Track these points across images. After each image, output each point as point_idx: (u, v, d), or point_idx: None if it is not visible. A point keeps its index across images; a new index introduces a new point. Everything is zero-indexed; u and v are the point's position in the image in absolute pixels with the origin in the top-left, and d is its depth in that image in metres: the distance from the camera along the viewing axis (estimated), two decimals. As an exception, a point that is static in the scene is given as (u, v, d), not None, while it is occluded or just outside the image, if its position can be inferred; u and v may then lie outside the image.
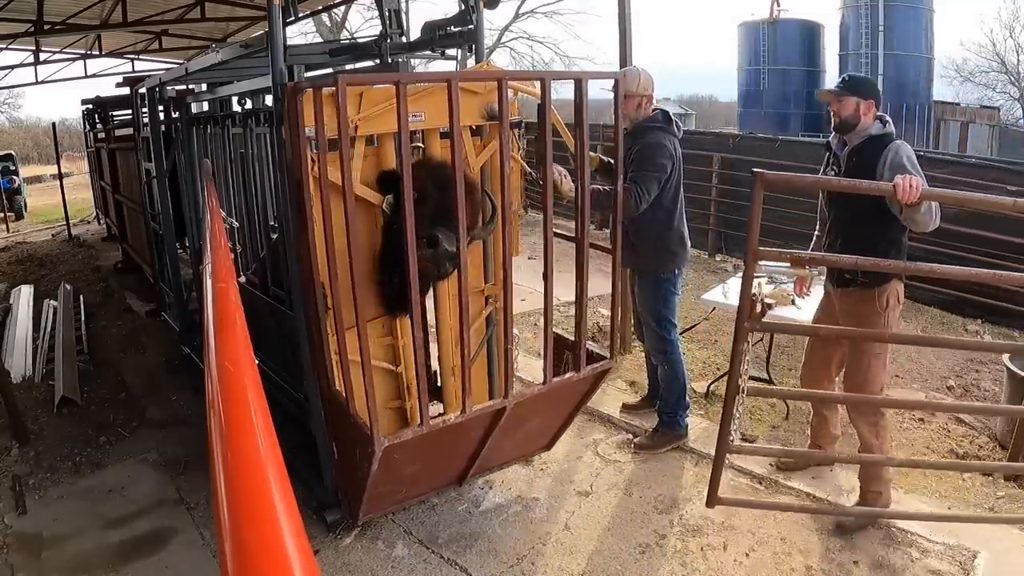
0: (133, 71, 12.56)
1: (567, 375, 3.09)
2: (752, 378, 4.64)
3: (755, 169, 2.49)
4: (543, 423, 3.46)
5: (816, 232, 3.56)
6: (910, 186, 2.48)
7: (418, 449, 2.80)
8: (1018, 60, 30.50)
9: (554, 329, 3.09)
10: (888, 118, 3.23)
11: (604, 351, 3.33)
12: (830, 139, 3.38)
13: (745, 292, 2.54)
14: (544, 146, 2.61)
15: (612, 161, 3.89)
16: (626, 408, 4.36)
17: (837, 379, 3.62)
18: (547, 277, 2.91)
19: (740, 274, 5.23)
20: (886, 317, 3.18)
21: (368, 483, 2.73)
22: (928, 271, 2.75)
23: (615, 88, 3.04)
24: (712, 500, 2.85)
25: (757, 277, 4.79)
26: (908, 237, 3.17)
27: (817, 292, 4.46)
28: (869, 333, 3.22)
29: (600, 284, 3.96)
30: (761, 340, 4.85)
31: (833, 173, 3.27)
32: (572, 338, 3.24)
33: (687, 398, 4.06)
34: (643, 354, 4.32)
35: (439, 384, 3.85)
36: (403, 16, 3.59)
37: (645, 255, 3.83)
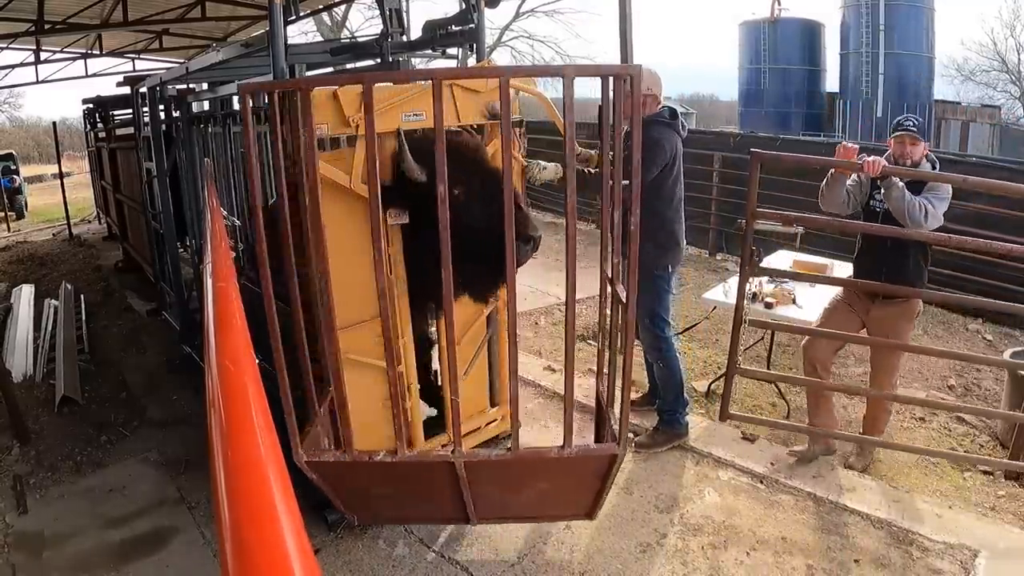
0: (134, 70, 12.55)
1: (546, 447, 2.55)
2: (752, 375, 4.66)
3: (752, 149, 3.47)
4: (560, 489, 2.82)
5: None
6: (874, 161, 3.15)
7: (360, 474, 2.61)
8: (1019, 59, 30.49)
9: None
10: (935, 157, 3.53)
11: (615, 423, 2.63)
12: None
13: (746, 245, 3.47)
14: (506, 153, 2.10)
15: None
16: None
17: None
18: (510, 323, 2.35)
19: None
20: (913, 323, 3.66)
21: (322, 488, 2.67)
22: (959, 242, 3.47)
23: (614, 85, 3.00)
24: (724, 415, 3.80)
25: (758, 276, 4.81)
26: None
27: (819, 291, 4.48)
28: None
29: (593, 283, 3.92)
30: (763, 339, 4.86)
31: (880, 202, 3.43)
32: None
33: (686, 395, 4.04)
34: (643, 352, 4.31)
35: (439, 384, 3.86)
36: (404, 15, 3.59)
37: (642, 252, 3.77)
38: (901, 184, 3.22)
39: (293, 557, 0.63)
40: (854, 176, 3.53)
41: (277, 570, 0.62)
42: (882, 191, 3.26)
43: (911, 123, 3.41)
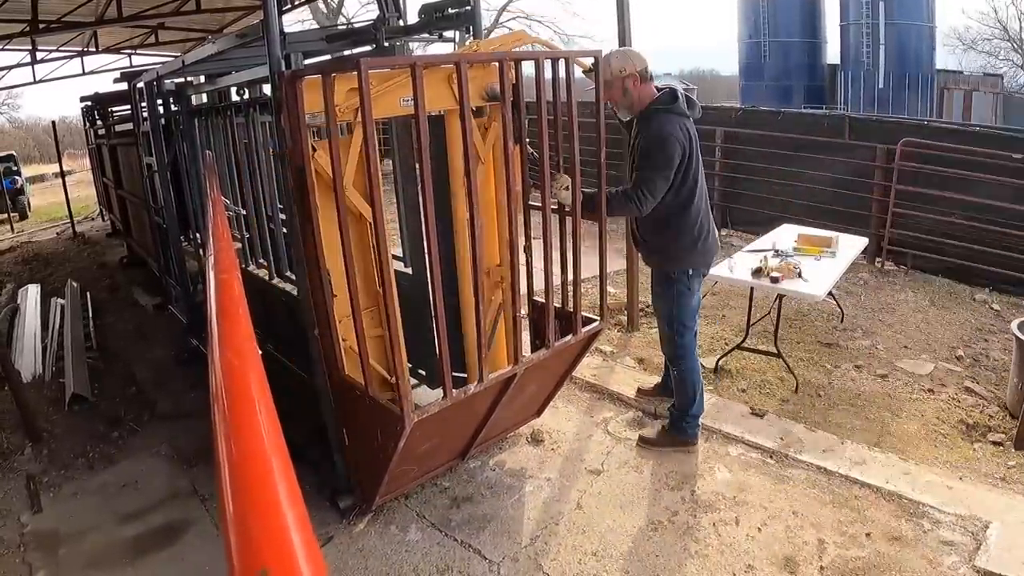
0: (131, 66, 12.51)
1: (566, 338, 3.29)
2: (760, 351, 4.66)
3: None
4: (537, 390, 3.64)
5: None
6: None
7: (438, 423, 2.86)
8: (1021, 27, 30.09)
9: (538, 299, 3.44)
10: None
11: (594, 315, 3.53)
12: None
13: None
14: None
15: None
16: (641, 393, 4.26)
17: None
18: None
19: (746, 248, 5.22)
20: None
21: (391, 462, 2.79)
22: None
23: (595, 69, 3.00)
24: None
25: (763, 251, 4.81)
26: None
27: (824, 264, 4.48)
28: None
29: (614, 262, 3.92)
30: (768, 314, 4.84)
31: None
32: (559, 306, 3.47)
33: (699, 406, 3.74)
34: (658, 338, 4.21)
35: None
36: (400, -1, 3.55)
37: (654, 252, 3.60)
38: None
39: (298, 549, 0.62)
40: None
41: (281, 562, 0.61)
42: None
43: None
